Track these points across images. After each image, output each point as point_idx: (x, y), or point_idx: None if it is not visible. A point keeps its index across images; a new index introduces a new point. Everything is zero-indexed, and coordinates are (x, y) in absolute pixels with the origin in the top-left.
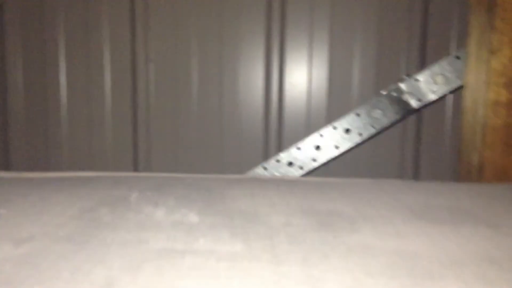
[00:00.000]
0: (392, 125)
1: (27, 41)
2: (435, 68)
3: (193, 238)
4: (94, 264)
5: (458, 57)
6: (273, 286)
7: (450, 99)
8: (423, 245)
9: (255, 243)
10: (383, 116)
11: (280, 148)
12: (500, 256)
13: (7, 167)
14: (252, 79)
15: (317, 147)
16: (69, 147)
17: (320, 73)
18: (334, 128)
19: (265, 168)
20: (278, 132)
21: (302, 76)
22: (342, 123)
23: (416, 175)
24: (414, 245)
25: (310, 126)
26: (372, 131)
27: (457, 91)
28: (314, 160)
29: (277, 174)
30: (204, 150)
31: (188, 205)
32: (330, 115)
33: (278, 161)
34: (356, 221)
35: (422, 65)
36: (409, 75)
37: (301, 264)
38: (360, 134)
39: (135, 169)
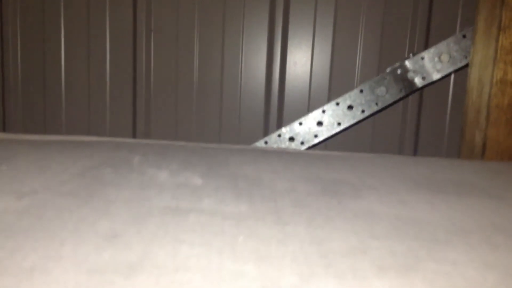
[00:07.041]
0: (395, 102)
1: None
2: (441, 46)
3: (198, 198)
4: (99, 217)
5: (464, 36)
6: (278, 244)
7: (452, 78)
8: (428, 212)
9: (260, 205)
10: (387, 93)
11: (281, 125)
12: (506, 224)
13: (3, 129)
14: (254, 53)
15: (319, 123)
16: (67, 113)
17: (324, 51)
18: (337, 104)
19: (266, 143)
20: (279, 108)
21: (305, 53)
22: (345, 99)
23: (415, 154)
24: (419, 212)
25: (312, 103)
26: (375, 108)
27: (461, 70)
28: (316, 135)
29: None
30: (203, 123)
31: (192, 169)
32: (333, 93)
33: (279, 135)
34: (360, 189)
35: (427, 43)
36: (414, 53)
37: (306, 226)
38: (363, 111)
39: (133, 137)
